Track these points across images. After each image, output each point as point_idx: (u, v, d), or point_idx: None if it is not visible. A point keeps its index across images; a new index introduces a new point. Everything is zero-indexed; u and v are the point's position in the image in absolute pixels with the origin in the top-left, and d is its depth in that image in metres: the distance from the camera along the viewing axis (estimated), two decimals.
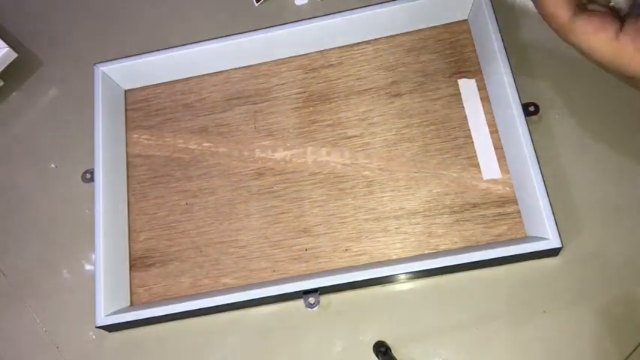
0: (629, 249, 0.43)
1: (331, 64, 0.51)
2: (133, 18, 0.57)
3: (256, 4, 0.54)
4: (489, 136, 0.46)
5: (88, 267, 0.48)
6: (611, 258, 0.42)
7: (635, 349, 0.40)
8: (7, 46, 0.52)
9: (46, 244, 0.50)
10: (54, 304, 0.48)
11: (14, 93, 0.56)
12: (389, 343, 0.43)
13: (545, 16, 0.28)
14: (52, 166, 0.52)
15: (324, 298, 0.44)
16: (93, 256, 0.47)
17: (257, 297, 0.42)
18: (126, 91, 0.53)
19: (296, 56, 0.51)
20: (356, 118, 0.49)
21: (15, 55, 0.53)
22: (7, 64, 0.53)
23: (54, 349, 0.46)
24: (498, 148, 0.46)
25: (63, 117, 0.54)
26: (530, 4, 0.50)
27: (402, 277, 0.43)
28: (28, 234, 0.50)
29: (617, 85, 0.46)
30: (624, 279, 0.42)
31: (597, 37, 0.27)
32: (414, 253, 0.44)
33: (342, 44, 0.51)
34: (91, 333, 0.46)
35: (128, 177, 0.50)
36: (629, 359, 0.40)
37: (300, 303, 0.43)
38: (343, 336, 0.43)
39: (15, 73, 0.55)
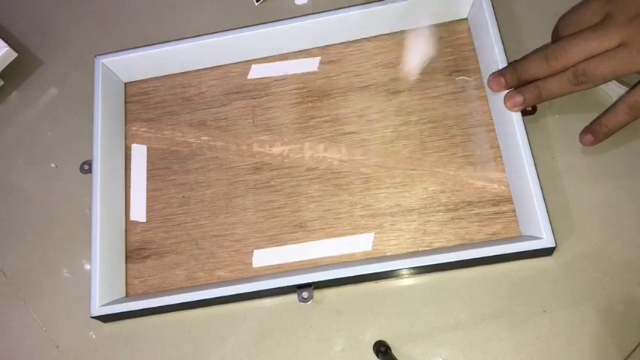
0: (627, 248, 0.42)
1: (331, 61, 0.51)
2: (134, 18, 0.57)
3: (256, 4, 0.54)
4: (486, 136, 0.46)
5: (88, 267, 0.48)
6: (609, 257, 0.42)
7: (635, 349, 0.40)
8: (7, 45, 0.52)
9: (46, 243, 0.50)
10: (54, 304, 0.48)
11: (14, 93, 0.56)
12: (389, 342, 0.43)
13: None
14: (52, 165, 0.52)
15: (318, 293, 0.44)
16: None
17: (251, 290, 0.42)
18: (126, 84, 0.53)
19: (296, 52, 0.51)
20: (354, 114, 0.49)
21: (15, 54, 0.53)
22: (7, 63, 0.53)
23: (54, 349, 0.46)
24: (495, 147, 0.46)
25: (63, 116, 0.54)
26: (530, 3, 0.50)
27: (396, 273, 0.43)
28: (28, 234, 0.50)
29: None
30: (623, 278, 0.42)
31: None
32: (408, 250, 0.44)
33: (342, 41, 0.51)
34: (91, 333, 0.46)
35: (126, 169, 0.50)
36: (629, 359, 0.40)
37: (294, 297, 0.43)
38: (343, 335, 0.43)
39: (15, 72, 0.55)
